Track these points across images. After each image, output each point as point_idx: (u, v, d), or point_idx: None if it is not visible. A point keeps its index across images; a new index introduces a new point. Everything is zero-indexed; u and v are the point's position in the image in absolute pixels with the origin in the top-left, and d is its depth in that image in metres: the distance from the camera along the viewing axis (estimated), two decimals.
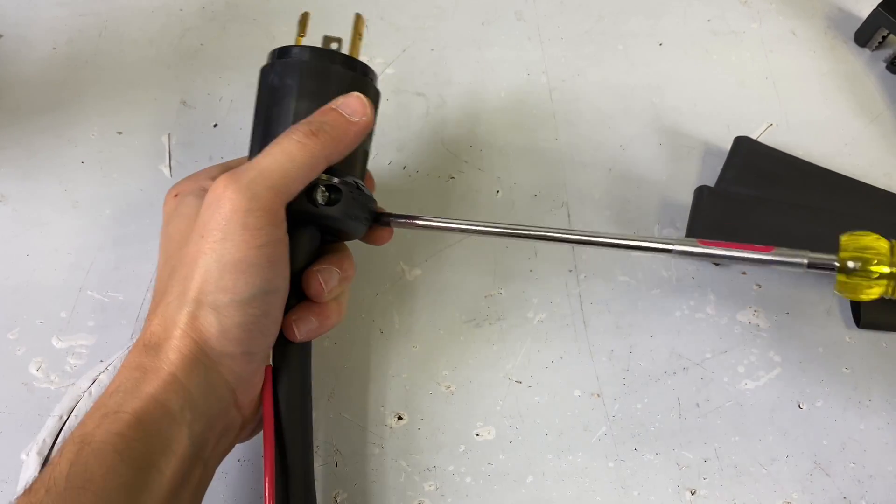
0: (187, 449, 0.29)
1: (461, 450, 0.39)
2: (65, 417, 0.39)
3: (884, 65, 0.51)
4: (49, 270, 0.44)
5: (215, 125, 0.48)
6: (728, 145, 0.47)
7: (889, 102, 0.50)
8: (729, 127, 0.48)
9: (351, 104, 0.33)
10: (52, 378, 0.41)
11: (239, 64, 0.51)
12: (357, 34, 0.38)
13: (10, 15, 0.52)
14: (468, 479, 0.39)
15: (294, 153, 0.31)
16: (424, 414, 0.40)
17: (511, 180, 0.47)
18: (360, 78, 0.36)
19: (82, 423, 0.28)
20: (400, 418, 0.40)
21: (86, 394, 0.40)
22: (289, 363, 0.34)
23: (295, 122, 0.33)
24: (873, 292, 0.33)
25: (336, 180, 0.34)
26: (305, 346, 0.35)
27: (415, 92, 0.49)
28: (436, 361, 0.42)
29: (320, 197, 0.33)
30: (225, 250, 0.29)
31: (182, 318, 0.30)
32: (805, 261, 0.33)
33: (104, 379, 0.40)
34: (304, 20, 0.38)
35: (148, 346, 0.30)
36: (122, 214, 0.45)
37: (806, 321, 0.43)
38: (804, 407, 0.41)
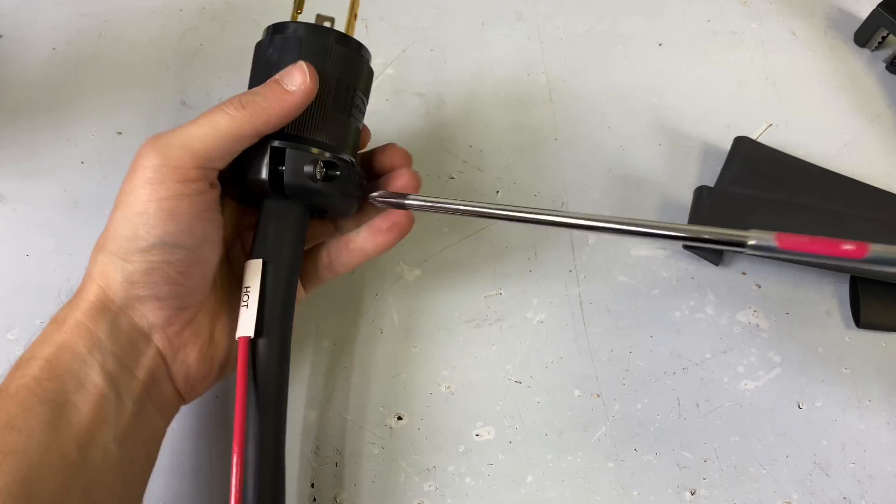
0: (103, 388, 0.30)
1: (461, 450, 0.39)
2: None
3: (883, 65, 0.51)
4: (49, 270, 0.43)
5: None
6: (728, 145, 0.47)
7: (889, 102, 0.50)
8: (728, 127, 0.48)
9: (292, 74, 0.34)
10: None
11: (239, 64, 0.51)
12: (352, 14, 0.38)
13: (10, 15, 0.52)
14: (468, 480, 0.39)
15: (219, 123, 0.33)
16: (424, 414, 0.40)
17: (511, 180, 0.47)
18: (353, 55, 0.36)
19: (2, 379, 0.30)
20: (400, 418, 0.40)
21: None
22: (269, 334, 0.34)
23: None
24: None
25: (332, 156, 0.34)
26: (285, 319, 0.35)
27: (414, 92, 0.49)
28: (436, 362, 0.42)
29: (318, 173, 0.33)
30: (129, 202, 0.32)
31: (95, 268, 0.32)
32: None
33: None
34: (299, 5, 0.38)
35: (65, 303, 0.32)
36: None
37: (806, 321, 0.43)
38: (804, 407, 0.41)
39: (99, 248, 0.32)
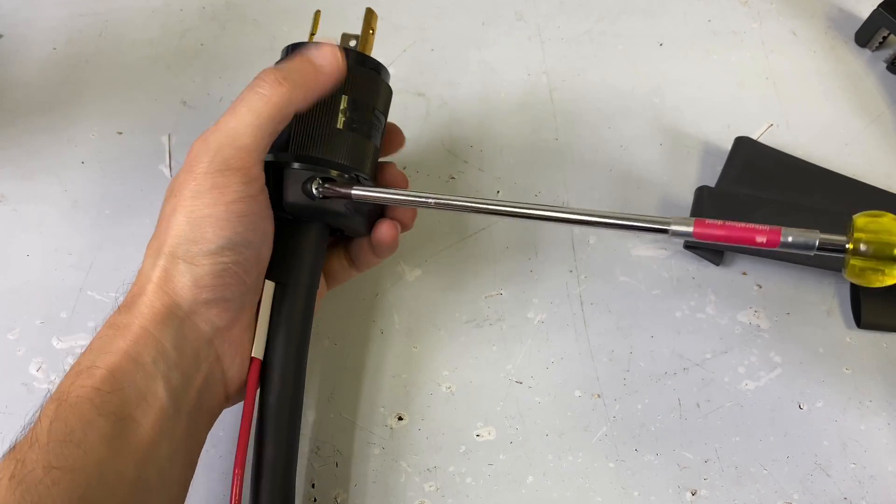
0: (165, 402, 0.29)
1: (462, 450, 0.39)
2: None
3: (884, 65, 0.51)
4: (49, 270, 0.43)
5: None
6: (728, 145, 0.47)
7: (889, 103, 0.50)
8: (729, 127, 0.48)
9: (323, 54, 0.34)
10: (53, 378, 0.41)
11: (239, 64, 0.51)
12: (368, 29, 0.38)
13: (10, 15, 0.52)
14: (468, 480, 0.39)
15: (260, 108, 0.32)
16: (425, 414, 0.40)
17: (511, 180, 0.47)
18: (370, 73, 0.36)
19: (59, 385, 0.29)
20: (400, 419, 0.40)
21: None
22: (285, 356, 0.34)
23: (314, 113, 0.34)
24: (888, 279, 0.30)
25: (338, 175, 0.34)
26: (303, 341, 0.35)
27: (415, 92, 0.49)
28: (436, 362, 0.41)
29: (316, 191, 0.33)
30: (195, 206, 0.31)
31: (156, 273, 0.31)
32: (815, 241, 0.31)
33: None
34: (316, 18, 0.38)
35: (123, 306, 0.31)
36: (122, 214, 0.45)
37: (806, 321, 0.43)
38: (805, 407, 0.40)
39: (157, 252, 0.31)
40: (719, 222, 0.32)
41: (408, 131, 0.48)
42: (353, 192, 0.34)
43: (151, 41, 0.51)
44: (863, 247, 0.30)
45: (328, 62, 0.33)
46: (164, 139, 0.48)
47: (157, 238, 0.32)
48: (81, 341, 0.41)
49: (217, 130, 0.32)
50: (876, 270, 0.30)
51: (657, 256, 0.44)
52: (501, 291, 0.43)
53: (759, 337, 0.42)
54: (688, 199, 0.45)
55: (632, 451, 0.39)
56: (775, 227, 0.31)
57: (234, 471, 0.31)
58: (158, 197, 0.46)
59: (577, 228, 0.45)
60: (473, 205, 0.34)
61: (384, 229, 0.37)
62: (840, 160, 0.47)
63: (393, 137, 0.39)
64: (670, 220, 0.32)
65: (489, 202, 0.34)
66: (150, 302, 0.30)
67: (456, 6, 0.53)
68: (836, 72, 0.51)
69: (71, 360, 0.40)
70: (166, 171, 0.47)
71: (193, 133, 0.47)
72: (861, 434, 0.40)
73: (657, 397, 0.41)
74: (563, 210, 0.33)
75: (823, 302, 0.43)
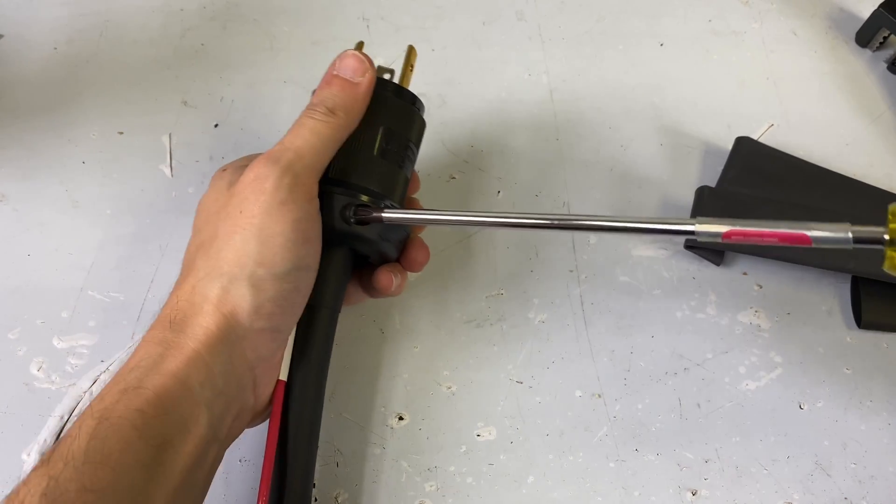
0: (205, 430, 0.29)
1: (462, 450, 0.39)
2: (66, 417, 0.39)
3: (885, 65, 0.51)
4: (50, 270, 0.43)
5: (216, 125, 0.48)
6: (729, 145, 0.47)
7: (890, 103, 0.50)
8: (730, 127, 0.48)
9: (349, 65, 0.34)
10: (53, 378, 0.41)
11: (240, 64, 0.51)
12: (409, 65, 0.38)
13: (11, 15, 0.52)
14: (469, 480, 0.39)
15: (321, 131, 0.32)
16: (425, 414, 0.40)
17: (512, 180, 0.47)
18: (407, 107, 0.37)
19: (101, 397, 0.28)
20: (401, 418, 0.40)
21: (87, 394, 0.40)
22: (305, 379, 0.34)
23: (352, 141, 0.34)
24: None
25: (370, 201, 0.34)
26: (324, 364, 0.35)
27: (416, 92, 0.49)
28: (437, 362, 0.42)
29: (351, 216, 0.33)
30: (265, 225, 0.30)
31: (214, 292, 0.30)
32: (850, 235, 0.29)
33: (105, 379, 0.40)
34: (359, 49, 0.39)
35: (173, 322, 0.30)
36: (122, 214, 0.45)
37: (807, 322, 0.43)
38: (805, 407, 0.41)
39: (216, 271, 0.30)
40: (752, 227, 0.30)
41: None
42: (384, 214, 0.34)
43: (152, 41, 0.51)
44: None
45: (358, 72, 0.34)
46: (165, 139, 0.48)
47: (210, 255, 0.31)
48: (82, 341, 0.41)
49: (284, 149, 0.31)
50: None
51: (658, 256, 0.44)
52: (502, 291, 0.43)
53: (760, 337, 0.42)
54: (688, 198, 0.45)
55: (632, 450, 0.39)
56: (801, 229, 0.30)
57: (259, 494, 0.31)
58: (159, 197, 0.47)
59: None
60: (503, 220, 0.34)
61: (383, 276, 0.37)
62: (840, 160, 0.47)
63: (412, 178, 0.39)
64: (695, 221, 0.31)
65: (518, 215, 0.33)
66: (205, 323, 0.29)
67: (456, 6, 0.53)
68: (836, 72, 0.51)
69: (72, 360, 0.41)
70: (167, 171, 0.47)
71: (194, 133, 0.48)
72: (861, 434, 0.40)
73: (658, 397, 0.41)
74: (593, 218, 0.32)
75: (824, 302, 0.43)
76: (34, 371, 0.41)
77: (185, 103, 0.49)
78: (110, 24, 0.52)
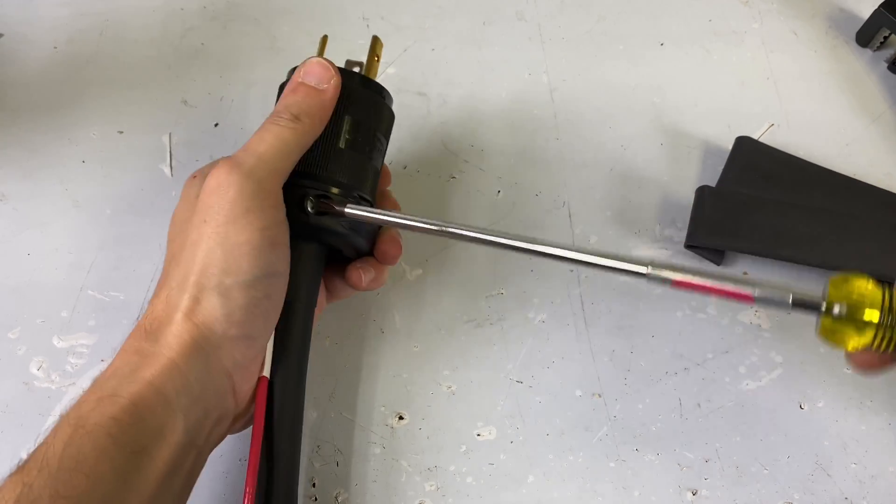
0: (181, 437, 0.29)
1: (462, 450, 0.39)
2: None
3: (885, 65, 0.51)
4: (50, 270, 0.43)
5: (216, 124, 0.48)
6: (729, 145, 0.47)
7: (890, 103, 0.50)
8: (730, 127, 0.48)
9: (315, 72, 0.34)
10: (53, 377, 0.41)
11: (240, 63, 0.51)
12: (374, 56, 0.38)
13: (11, 15, 0.52)
14: (469, 479, 0.39)
15: (285, 136, 0.32)
16: (425, 414, 0.40)
17: (512, 180, 0.47)
18: (374, 97, 0.36)
19: (77, 405, 0.28)
20: (401, 418, 0.40)
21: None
22: (286, 375, 0.34)
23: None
24: (860, 342, 0.30)
25: (338, 193, 0.34)
26: (303, 360, 0.35)
27: (416, 92, 0.49)
28: (437, 361, 0.41)
29: (310, 207, 0.33)
30: (229, 233, 0.30)
31: (184, 303, 0.30)
32: (790, 299, 0.31)
33: None
34: (323, 42, 0.39)
35: (149, 332, 0.30)
36: (122, 214, 0.45)
37: (807, 321, 0.42)
38: (805, 407, 0.40)
39: (184, 280, 0.30)
40: (696, 277, 0.31)
41: (408, 131, 0.48)
42: (346, 210, 0.34)
43: (152, 41, 0.51)
44: (836, 308, 0.30)
45: (323, 79, 0.34)
46: (165, 138, 0.48)
47: (180, 265, 0.31)
48: (82, 340, 0.41)
49: (247, 154, 0.31)
50: (846, 332, 0.30)
51: (658, 256, 0.44)
52: (502, 291, 0.43)
53: (760, 337, 0.42)
54: (688, 198, 0.45)
55: (632, 450, 0.39)
56: (747, 287, 0.31)
57: (245, 490, 0.31)
58: (159, 197, 0.47)
59: (577, 228, 0.45)
60: (463, 233, 0.34)
61: (353, 272, 0.37)
62: (841, 160, 0.47)
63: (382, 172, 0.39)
64: (648, 265, 0.32)
65: (478, 231, 0.33)
66: (178, 332, 0.30)
67: (457, 6, 0.53)
68: (836, 72, 0.51)
69: (72, 360, 0.41)
70: (167, 171, 0.47)
71: (194, 132, 0.48)
72: (862, 434, 0.40)
73: (658, 397, 0.41)
74: (547, 244, 0.33)
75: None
76: (34, 370, 0.41)
77: (185, 103, 0.49)
78: (110, 23, 0.52)
